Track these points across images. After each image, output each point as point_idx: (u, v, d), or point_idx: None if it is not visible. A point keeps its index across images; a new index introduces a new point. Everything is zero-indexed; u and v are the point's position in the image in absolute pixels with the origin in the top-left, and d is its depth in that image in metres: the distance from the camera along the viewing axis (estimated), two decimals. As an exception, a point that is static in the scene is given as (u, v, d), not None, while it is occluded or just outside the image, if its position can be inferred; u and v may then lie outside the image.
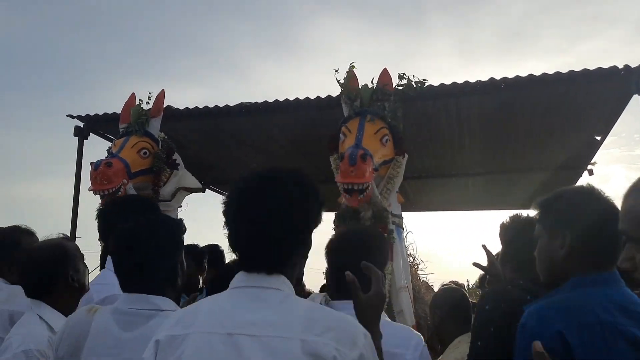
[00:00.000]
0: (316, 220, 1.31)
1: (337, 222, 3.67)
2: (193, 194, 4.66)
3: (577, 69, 4.12)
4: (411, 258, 4.45)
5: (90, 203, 3.93)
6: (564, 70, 4.14)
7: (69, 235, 3.16)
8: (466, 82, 4.29)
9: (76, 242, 2.45)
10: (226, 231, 1.27)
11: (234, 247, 1.27)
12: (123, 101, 4.63)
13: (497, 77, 4.23)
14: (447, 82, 4.34)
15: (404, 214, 4.05)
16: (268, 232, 1.21)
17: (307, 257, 1.36)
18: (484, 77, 4.28)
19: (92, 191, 3.84)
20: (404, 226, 4.00)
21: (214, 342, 1.12)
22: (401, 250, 3.84)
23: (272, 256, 1.22)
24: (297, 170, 1.33)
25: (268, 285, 1.20)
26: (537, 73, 4.15)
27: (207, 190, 7.73)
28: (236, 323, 1.14)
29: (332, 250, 1.90)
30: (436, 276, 7.20)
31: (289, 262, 1.26)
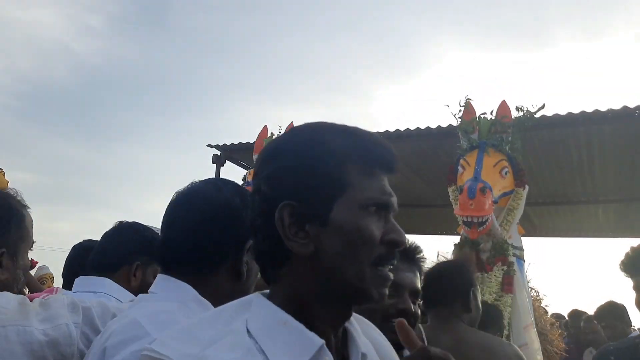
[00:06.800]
0: None
1: (456, 251, 3.74)
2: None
3: None
4: (534, 291, 4.32)
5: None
6: None
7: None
8: (596, 110, 4.13)
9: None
10: None
11: None
12: (251, 125, 5.09)
13: (631, 105, 4.02)
14: (576, 102, 4.22)
15: (527, 239, 3.97)
16: None
17: None
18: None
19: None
20: (524, 258, 3.93)
21: None
22: (523, 283, 3.77)
23: None
24: None
25: None
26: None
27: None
28: None
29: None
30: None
31: None
